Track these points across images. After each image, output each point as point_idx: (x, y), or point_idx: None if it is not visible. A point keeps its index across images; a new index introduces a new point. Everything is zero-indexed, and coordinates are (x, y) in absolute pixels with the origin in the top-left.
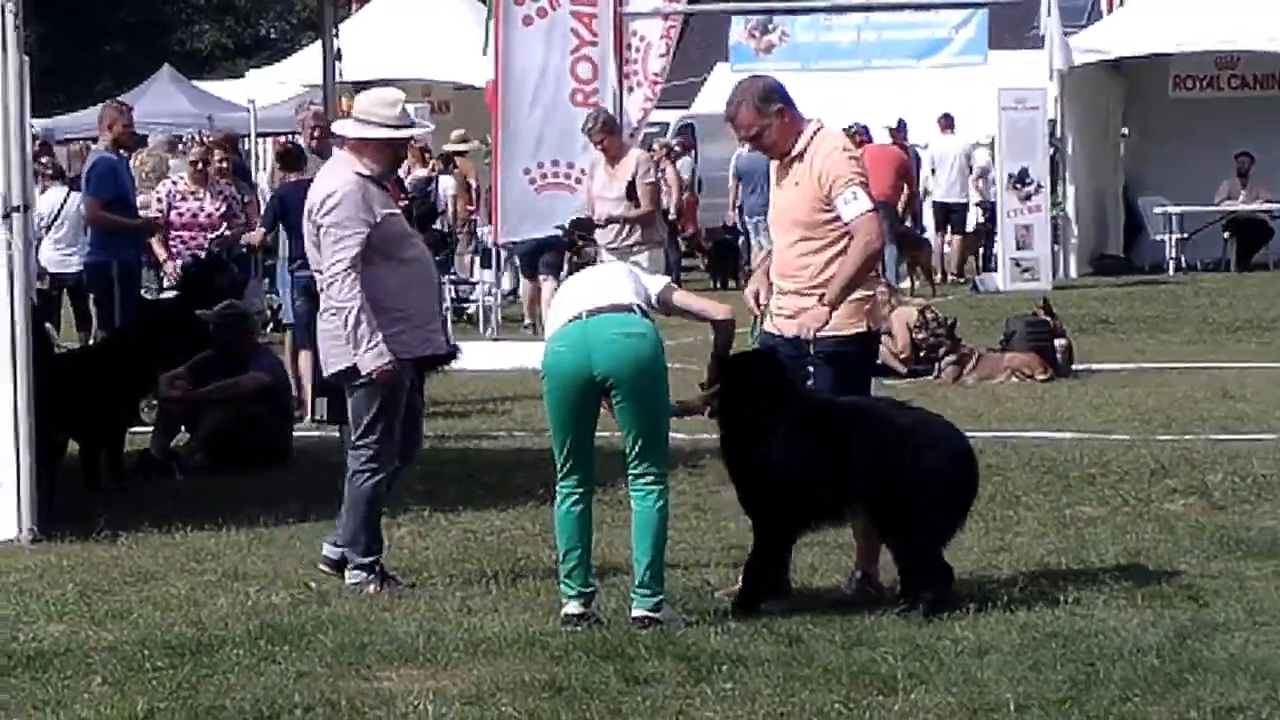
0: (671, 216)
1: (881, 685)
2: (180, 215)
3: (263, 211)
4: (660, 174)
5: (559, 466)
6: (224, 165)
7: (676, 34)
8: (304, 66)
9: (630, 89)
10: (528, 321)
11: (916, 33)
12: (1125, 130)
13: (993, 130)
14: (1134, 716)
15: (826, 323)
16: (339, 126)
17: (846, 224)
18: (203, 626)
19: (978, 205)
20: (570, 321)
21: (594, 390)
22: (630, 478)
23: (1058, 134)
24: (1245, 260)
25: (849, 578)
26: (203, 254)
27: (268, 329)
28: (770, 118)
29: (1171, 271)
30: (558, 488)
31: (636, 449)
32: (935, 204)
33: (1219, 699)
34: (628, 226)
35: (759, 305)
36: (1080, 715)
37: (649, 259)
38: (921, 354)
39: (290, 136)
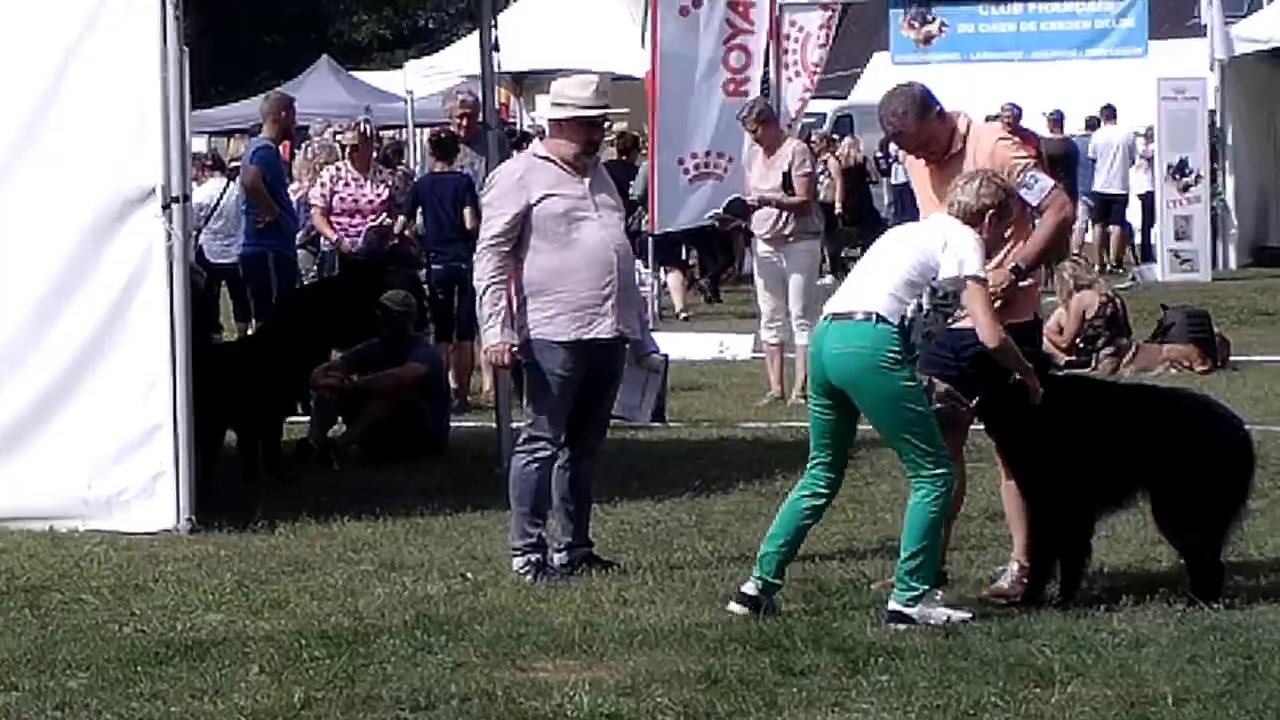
0: (839, 210)
1: (1038, 678)
2: (342, 201)
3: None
4: (822, 165)
5: (810, 457)
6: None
7: (835, 25)
8: (462, 57)
9: (789, 79)
10: (679, 310)
11: (1076, 23)
12: None
13: (1151, 120)
14: None
15: (1008, 286)
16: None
17: (1035, 206)
18: (359, 616)
19: (1139, 196)
20: (823, 318)
21: (836, 394)
22: None
23: (1218, 124)
24: None
25: (1005, 570)
26: (366, 241)
27: (428, 318)
28: (933, 123)
29: None
30: (804, 475)
31: (896, 450)
32: (1095, 194)
33: None
34: (783, 217)
35: None
36: (1239, 709)
37: (805, 250)
38: (1080, 345)
39: (446, 126)
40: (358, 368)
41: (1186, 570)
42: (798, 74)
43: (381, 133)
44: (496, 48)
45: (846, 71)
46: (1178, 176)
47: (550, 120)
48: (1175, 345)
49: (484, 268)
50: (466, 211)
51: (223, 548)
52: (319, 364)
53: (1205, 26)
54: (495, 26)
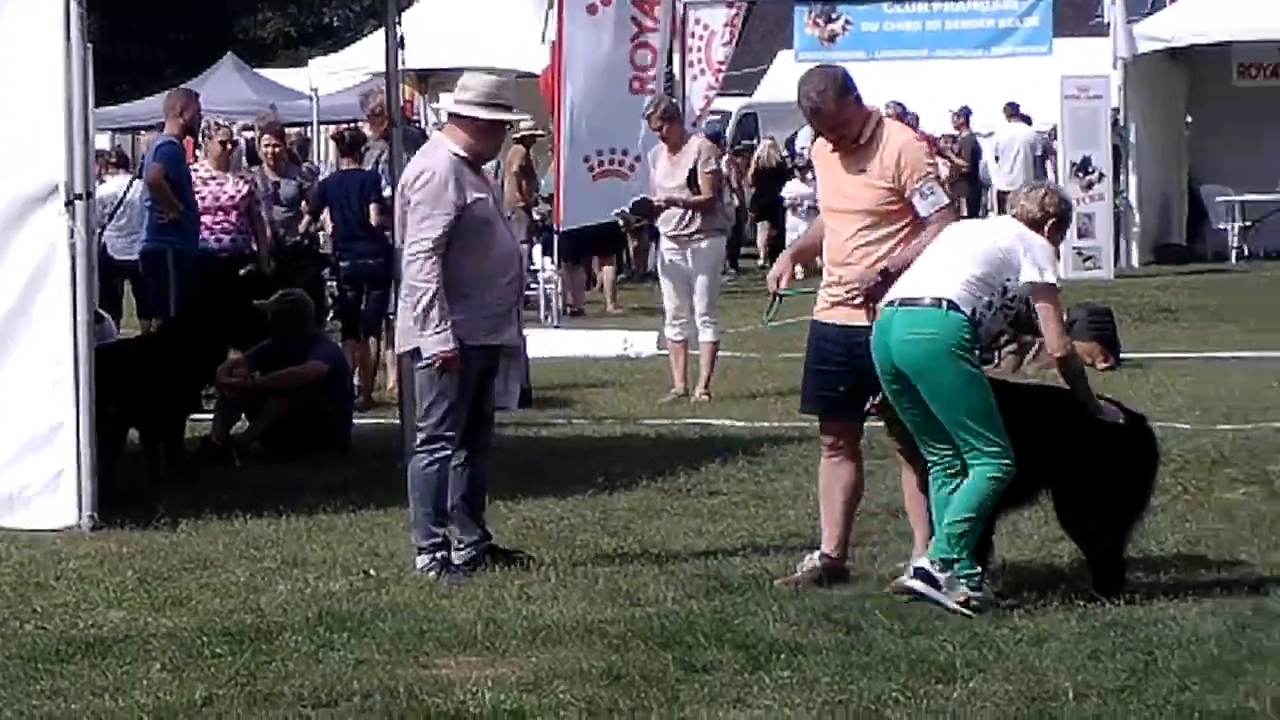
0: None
1: (940, 673)
2: (203, 199)
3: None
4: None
5: (923, 449)
6: (275, 152)
7: (740, 22)
8: (366, 54)
9: (694, 77)
10: (574, 308)
11: (981, 21)
12: (1188, 118)
13: (1056, 119)
14: (1192, 706)
15: (874, 285)
16: (444, 103)
17: (923, 218)
18: (262, 613)
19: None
20: (888, 304)
21: (903, 379)
22: None
23: (1121, 122)
24: None
25: (907, 566)
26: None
27: (329, 317)
28: (851, 107)
29: (1234, 260)
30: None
31: (955, 436)
32: (999, 192)
33: (1278, 688)
34: (688, 214)
35: (778, 288)
36: (1139, 704)
37: (710, 248)
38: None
39: (353, 123)
40: (260, 365)
41: (1089, 566)
42: (702, 72)
43: (288, 129)
44: (402, 45)
45: (751, 69)
46: (1081, 174)
47: (471, 120)
48: (1077, 342)
49: (428, 272)
50: (372, 208)
51: (125, 545)
52: (219, 362)
53: (1108, 25)
54: (400, 24)
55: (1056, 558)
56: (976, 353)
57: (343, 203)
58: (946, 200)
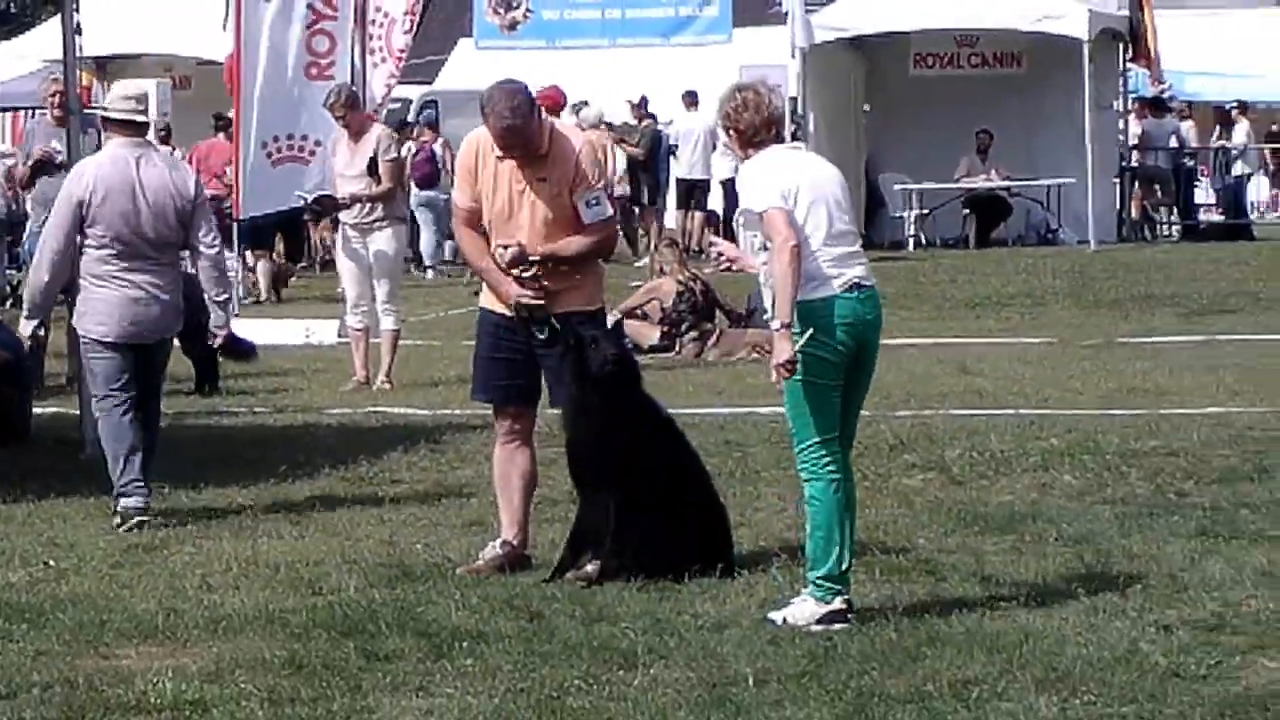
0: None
1: (622, 660)
2: None
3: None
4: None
5: (824, 440)
6: None
7: (420, 9)
8: (44, 40)
9: (375, 65)
10: (264, 297)
11: (661, 10)
12: (866, 107)
13: None
14: (871, 690)
15: (519, 260)
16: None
17: (585, 224)
18: None
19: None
20: (852, 287)
21: (853, 362)
22: None
23: (799, 111)
24: (984, 237)
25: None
26: None
27: (7, 304)
28: (537, 121)
29: (911, 248)
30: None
31: (851, 424)
32: (679, 180)
33: (955, 672)
34: (370, 203)
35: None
36: (818, 689)
37: (391, 236)
38: (666, 329)
39: (30, 110)
40: None
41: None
42: (383, 59)
43: None
44: (79, 31)
45: (431, 58)
46: None
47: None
48: (760, 330)
49: None
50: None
51: None
52: None
53: (787, 14)
54: (77, 10)
55: (736, 544)
56: None
57: None
58: (610, 212)
